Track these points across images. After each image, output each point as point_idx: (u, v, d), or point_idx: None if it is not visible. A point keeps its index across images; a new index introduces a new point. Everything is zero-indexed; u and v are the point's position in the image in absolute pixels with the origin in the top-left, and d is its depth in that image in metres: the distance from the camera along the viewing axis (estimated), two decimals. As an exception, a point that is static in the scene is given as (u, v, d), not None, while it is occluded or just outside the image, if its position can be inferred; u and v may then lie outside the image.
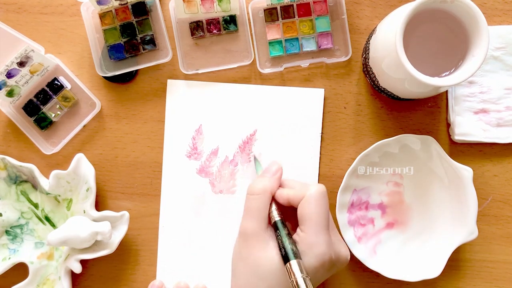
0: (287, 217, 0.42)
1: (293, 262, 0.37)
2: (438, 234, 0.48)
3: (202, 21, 0.49)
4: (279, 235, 0.40)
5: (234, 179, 0.49)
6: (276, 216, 0.41)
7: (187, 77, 0.50)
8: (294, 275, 0.37)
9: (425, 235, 0.49)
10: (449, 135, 0.50)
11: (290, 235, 0.40)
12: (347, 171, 0.47)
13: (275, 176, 0.43)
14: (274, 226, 0.41)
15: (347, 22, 0.49)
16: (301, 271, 0.37)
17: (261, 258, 0.39)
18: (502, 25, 0.49)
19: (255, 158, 0.48)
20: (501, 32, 0.48)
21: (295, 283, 0.36)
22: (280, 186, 0.44)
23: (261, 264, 0.39)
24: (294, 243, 0.39)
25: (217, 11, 0.48)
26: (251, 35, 0.49)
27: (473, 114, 0.48)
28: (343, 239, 0.46)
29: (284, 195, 0.42)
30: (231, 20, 0.48)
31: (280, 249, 0.39)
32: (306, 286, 0.36)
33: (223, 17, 0.49)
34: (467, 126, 0.48)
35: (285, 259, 0.38)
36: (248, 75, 0.50)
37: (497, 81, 0.48)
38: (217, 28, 0.49)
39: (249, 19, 0.49)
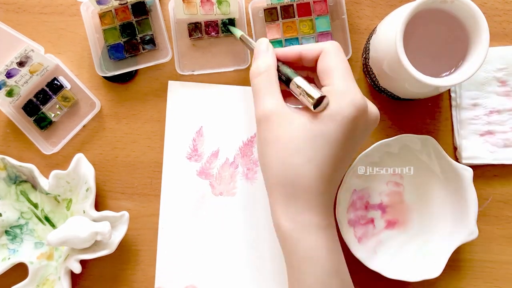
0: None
1: (297, 79, 0.34)
2: (438, 234, 0.48)
3: (200, 23, 0.49)
4: (295, 82, 0.36)
5: (235, 181, 0.49)
6: (290, 72, 0.38)
7: (185, 78, 0.50)
8: (300, 86, 0.34)
9: (425, 235, 0.49)
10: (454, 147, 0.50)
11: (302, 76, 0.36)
12: (347, 172, 0.47)
13: (270, 49, 0.39)
14: (286, 80, 0.37)
15: (347, 22, 0.49)
16: (309, 83, 0.33)
17: (291, 132, 0.34)
18: (505, 45, 0.49)
19: (228, 26, 0.47)
20: (503, 53, 0.49)
21: (304, 92, 0.33)
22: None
23: (293, 137, 0.34)
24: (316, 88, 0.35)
25: (216, 14, 0.48)
26: (252, 35, 0.49)
27: (479, 137, 0.48)
28: (343, 238, 0.46)
29: (295, 49, 0.38)
30: (230, 23, 0.48)
31: (286, 84, 0.35)
32: (315, 89, 0.33)
33: (222, 20, 0.49)
34: (474, 149, 0.48)
35: (288, 82, 0.35)
36: (248, 76, 0.50)
37: (501, 102, 0.49)
38: (215, 30, 0.49)
39: (248, 19, 0.49)
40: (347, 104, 0.34)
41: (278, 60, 0.39)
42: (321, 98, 0.34)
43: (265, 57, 0.39)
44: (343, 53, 0.38)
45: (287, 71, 0.37)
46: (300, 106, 0.38)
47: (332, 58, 0.36)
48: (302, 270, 0.35)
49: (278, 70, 0.38)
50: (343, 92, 0.35)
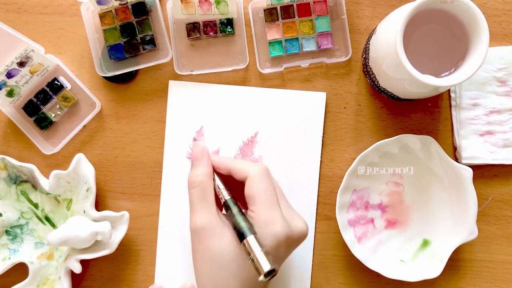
0: (236, 198, 0.40)
1: (250, 238, 0.34)
2: (438, 234, 0.48)
3: (199, 23, 0.49)
4: (231, 214, 0.37)
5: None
6: (225, 195, 0.39)
7: (184, 78, 0.50)
8: (252, 251, 0.33)
9: (425, 235, 0.49)
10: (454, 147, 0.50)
11: (242, 212, 0.37)
12: (347, 171, 0.47)
13: (204, 158, 0.41)
14: (225, 206, 0.38)
15: (347, 22, 0.49)
16: (260, 246, 0.34)
17: (218, 247, 0.36)
18: (505, 45, 0.49)
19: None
20: (503, 53, 0.49)
21: (256, 259, 0.33)
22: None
23: (219, 253, 0.36)
24: (247, 220, 0.36)
25: (215, 14, 0.48)
26: (251, 35, 0.49)
27: (478, 137, 0.48)
28: (343, 238, 0.46)
29: (225, 165, 0.40)
30: (228, 23, 0.48)
31: (234, 229, 0.36)
32: (267, 260, 0.33)
33: (220, 19, 0.49)
34: (473, 149, 0.48)
35: (241, 237, 0.35)
36: (248, 75, 0.50)
37: (500, 102, 0.49)
38: (214, 30, 0.49)
39: (248, 20, 0.49)
40: (268, 235, 0.36)
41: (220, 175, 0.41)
42: (271, 271, 0.33)
43: (200, 166, 0.40)
44: (269, 178, 0.39)
45: (242, 225, 0.36)
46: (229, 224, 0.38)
47: (256, 185, 0.38)
48: None
49: (229, 208, 0.38)
50: (265, 222, 0.36)
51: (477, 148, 0.48)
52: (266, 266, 0.33)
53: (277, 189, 0.40)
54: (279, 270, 0.35)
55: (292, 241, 0.38)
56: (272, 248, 0.36)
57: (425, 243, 0.48)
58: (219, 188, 0.40)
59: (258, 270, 0.33)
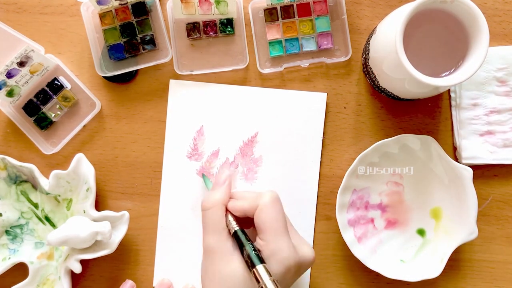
0: (246, 226, 0.42)
1: (259, 267, 0.37)
2: (438, 234, 0.48)
3: (199, 23, 0.49)
4: (241, 243, 0.39)
5: (234, 181, 0.49)
6: (234, 226, 0.41)
7: (184, 78, 0.50)
8: (262, 279, 0.36)
9: (425, 235, 0.49)
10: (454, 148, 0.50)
11: (251, 242, 0.40)
12: (347, 172, 0.47)
13: (225, 185, 0.43)
14: (235, 237, 0.40)
15: (347, 22, 0.49)
16: (269, 275, 0.36)
17: (226, 272, 0.39)
18: (505, 45, 0.49)
19: (203, 175, 0.48)
20: (503, 53, 0.49)
21: (264, 287, 0.36)
22: (231, 198, 0.43)
23: (227, 277, 0.39)
24: (256, 249, 0.39)
25: (215, 13, 0.48)
26: (251, 35, 0.49)
27: (478, 137, 0.48)
28: (343, 238, 0.46)
29: (238, 208, 0.42)
30: (228, 23, 0.48)
31: (244, 257, 0.39)
32: (276, 287, 0.36)
33: (220, 19, 0.49)
34: (473, 149, 0.48)
35: (251, 265, 0.38)
36: (248, 75, 0.50)
37: (500, 102, 0.49)
38: (214, 30, 0.49)
39: (248, 20, 0.49)
40: (276, 262, 0.38)
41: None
42: None
43: (218, 192, 0.43)
44: (279, 204, 0.40)
45: (252, 254, 0.38)
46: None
47: (266, 214, 0.40)
48: None
49: (241, 247, 0.40)
50: (273, 251, 0.38)
51: (477, 148, 0.48)
52: None
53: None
54: None
55: (299, 267, 0.40)
56: (280, 275, 0.38)
57: (425, 243, 0.48)
58: (229, 220, 0.42)
59: None
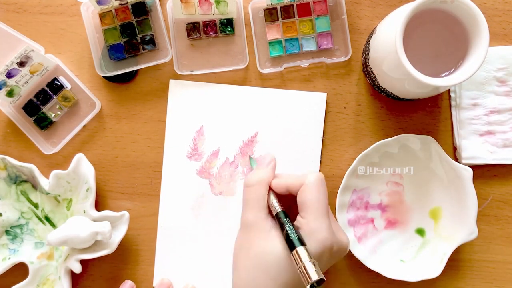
0: (285, 205, 0.41)
1: (300, 249, 0.36)
2: (438, 234, 0.48)
3: (199, 23, 0.49)
4: (283, 224, 0.39)
5: (234, 180, 0.49)
6: (277, 207, 0.40)
7: (184, 78, 0.50)
8: (301, 260, 0.35)
9: (425, 235, 0.49)
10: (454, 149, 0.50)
11: (292, 223, 0.39)
12: (347, 171, 0.47)
13: (269, 166, 0.43)
14: (276, 218, 0.40)
15: (347, 22, 0.49)
16: (310, 257, 0.36)
17: (263, 248, 0.38)
18: (505, 45, 0.49)
19: (250, 157, 0.48)
20: (503, 53, 0.49)
21: (303, 268, 0.35)
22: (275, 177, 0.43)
23: (264, 254, 0.38)
24: (296, 228, 0.38)
25: (215, 14, 0.48)
26: (251, 35, 0.49)
27: (478, 137, 0.48)
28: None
29: (282, 183, 0.41)
30: (228, 23, 0.48)
31: (285, 238, 0.38)
32: (315, 270, 0.35)
33: (220, 19, 0.49)
34: (473, 149, 0.48)
35: (291, 247, 0.37)
36: (248, 75, 0.50)
37: (500, 102, 0.49)
38: (214, 30, 0.49)
39: (248, 19, 0.49)
40: (314, 241, 0.37)
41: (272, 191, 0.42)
42: (320, 281, 0.35)
43: (263, 171, 0.42)
44: (323, 186, 0.40)
45: (293, 236, 0.37)
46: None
47: (310, 193, 0.39)
48: None
49: (282, 227, 0.39)
50: (313, 229, 0.38)
51: (477, 148, 0.48)
52: (314, 276, 0.35)
53: None
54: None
55: (334, 252, 0.39)
56: (317, 255, 0.37)
57: (425, 243, 0.48)
58: (271, 200, 0.41)
59: (307, 276, 0.35)
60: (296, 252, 0.36)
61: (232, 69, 0.49)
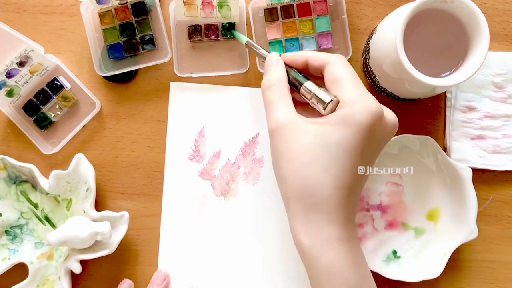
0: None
1: (308, 83, 0.34)
2: (438, 234, 0.48)
3: (201, 26, 0.49)
4: (306, 87, 0.36)
5: (236, 182, 0.49)
6: (302, 79, 0.37)
7: (184, 80, 0.50)
8: (311, 91, 0.33)
9: (425, 235, 0.49)
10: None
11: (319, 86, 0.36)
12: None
13: (280, 63, 0.39)
14: (296, 83, 0.37)
15: (347, 22, 0.49)
16: (318, 86, 0.33)
17: (304, 142, 0.33)
18: (505, 45, 0.49)
19: (232, 31, 0.46)
20: (503, 59, 0.49)
21: (315, 97, 0.33)
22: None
23: (307, 148, 0.33)
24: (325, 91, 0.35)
25: (217, 17, 0.48)
26: (252, 34, 0.49)
27: (469, 140, 0.48)
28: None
29: (302, 55, 0.38)
30: (230, 27, 0.48)
31: (293, 84, 0.35)
32: (327, 94, 0.32)
33: (222, 23, 0.48)
34: (463, 152, 0.48)
35: (299, 85, 0.34)
36: (248, 76, 0.50)
37: (495, 107, 0.49)
38: (215, 33, 0.49)
39: (248, 19, 0.49)
40: (360, 109, 0.33)
41: (286, 65, 0.39)
42: (332, 102, 0.35)
43: (275, 69, 0.38)
44: (350, 65, 0.37)
45: (297, 75, 0.37)
46: (312, 119, 0.36)
47: (339, 68, 0.36)
48: (323, 285, 0.34)
49: (289, 77, 0.38)
50: (356, 98, 0.34)
51: (466, 151, 0.48)
52: (326, 98, 0.33)
53: None
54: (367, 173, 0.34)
55: (385, 127, 0.35)
56: (366, 124, 0.33)
57: (425, 243, 0.48)
58: (293, 73, 0.38)
59: (321, 101, 0.33)
60: (305, 87, 0.34)
61: (232, 73, 0.49)
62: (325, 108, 0.35)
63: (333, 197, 0.33)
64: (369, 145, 0.34)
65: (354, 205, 0.36)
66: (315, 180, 0.33)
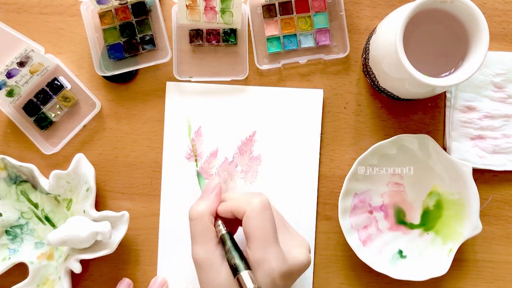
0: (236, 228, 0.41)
1: (243, 273, 0.36)
2: (442, 232, 0.48)
3: (202, 30, 0.49)
4: (227, 249, 0.38)
5: (234, 180, 0.49)
6: (222, 230, 0.39)
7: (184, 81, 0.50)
8: (246, 286, 0.35)
9: (430, 234, 0.49)
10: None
11: (237, 247, 0.38)
12: (347, 176, 0.46)
13: (213, 194, 0.42)
14: (222, 241, 0.39)
15: (345, 19, 0.49)
16: (253, 282, 0.35)
17: (217, 282, 0.37)
18: (505, 45, 0.49)
19: (198, 173, 0.48)
20: (503, 59, 0.48)
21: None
22: (222, 201, 0.42)
23: (218, 285, 0.37)
24: (242, 255, 0.38)
25: (219, 23, 0.48)
26: (249, 31, 0.49)
27: (469, 140, 0.48)
28: (348, 242, 0.46)
29: (227, 209, 0.40)
30: (231, 33, 0.48)
31: (229, 264, 0.37)
32: None
33: (224, 29, 0.48)
34: (462, 152, 0.48)
35: (235, 272, 0.36)
36: (248, 82, 0.50)
37: (495, 107, 0.48)
38: (217, 39, 0.49)
39: (248, 19, 0.49)
40: (262, 273, 0.37)
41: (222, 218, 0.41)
42: None
43: (205, 201, 0.41)
44: (268, 210, 0.38)
45: (236, 261, 0.37)
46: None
47: (252, 222, 0.38)
48: None
49: (229, 259, 0.39)
50: (259, 262, 0.37)
51: (466, 151, 0.48)
52: None
53: (277, 218, 0.40)
54: None
55: (290, 274, 0.38)
56: (267, 286, 0.37)
57: (430, 241, 0.48)
58: (218, 223, 0.40)
59: None
60: (240, 277, 0.36)
61: (230, 79, 0.49)
62: None
63: None
64: None
65: None
66: None
